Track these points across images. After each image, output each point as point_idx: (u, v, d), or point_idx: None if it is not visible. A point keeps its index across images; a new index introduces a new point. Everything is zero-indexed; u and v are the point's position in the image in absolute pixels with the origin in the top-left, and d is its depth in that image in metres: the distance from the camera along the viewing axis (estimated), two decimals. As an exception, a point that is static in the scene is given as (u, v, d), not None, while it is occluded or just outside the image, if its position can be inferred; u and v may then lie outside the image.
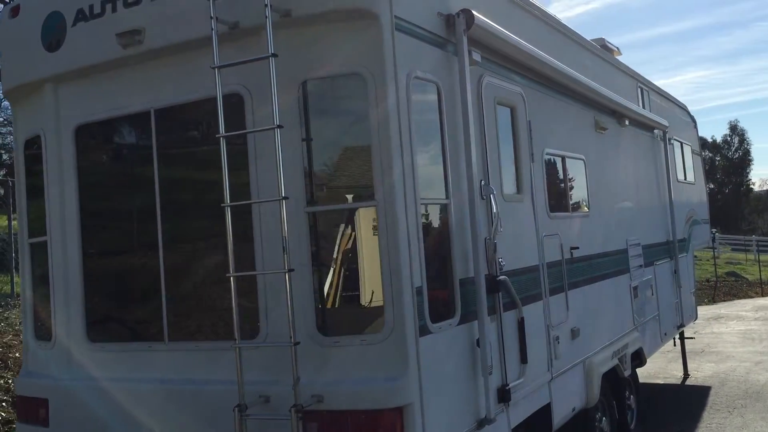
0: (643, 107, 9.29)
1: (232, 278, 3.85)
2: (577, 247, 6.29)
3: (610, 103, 7.58)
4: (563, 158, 6.36)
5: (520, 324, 5.05)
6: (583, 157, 6.84)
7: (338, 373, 3.86)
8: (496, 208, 4.79)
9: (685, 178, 11.19)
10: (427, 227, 4.23)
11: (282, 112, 3.91)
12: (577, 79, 6.51)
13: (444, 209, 4.35)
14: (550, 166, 6.08)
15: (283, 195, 3.74)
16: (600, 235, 7.00)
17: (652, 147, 9.42)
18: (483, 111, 4.89)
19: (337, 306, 4.04)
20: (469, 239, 4.49)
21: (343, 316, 4.02)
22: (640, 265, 8.28)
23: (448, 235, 4.34)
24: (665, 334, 9.01)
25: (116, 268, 4.70)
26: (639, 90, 9.25)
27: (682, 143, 11.18)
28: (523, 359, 5.04)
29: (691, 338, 11.59)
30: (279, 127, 3.75)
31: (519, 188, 5.41)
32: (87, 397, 4.47)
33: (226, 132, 3.94)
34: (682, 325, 9.79)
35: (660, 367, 11.71)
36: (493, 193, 4.77)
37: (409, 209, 3.91)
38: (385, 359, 3.82)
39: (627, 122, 8.21)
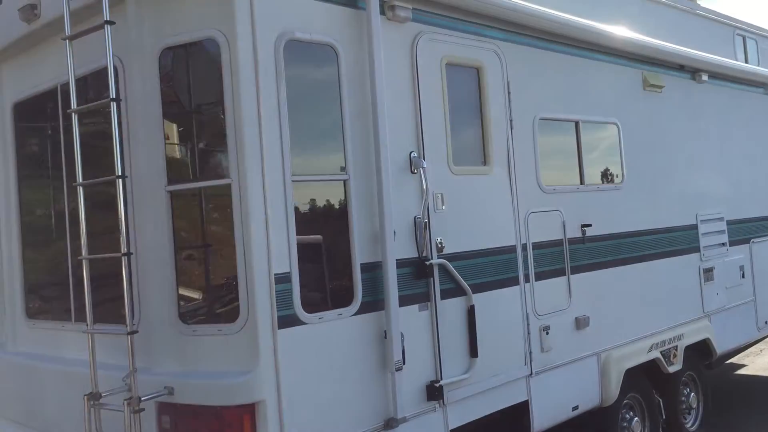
0: (746, 60, 8.04)
1: (84, 261, 3.75)
2: (590, 225, 5.54)
3: (670, 57, 6.58)
4: (576, 123, 5.60)
5: (470, 313, 4.52)
6: (616, 121, 5.98)
7: (192, 365, 3.64)
8: (427, 184, 4.29)
9: None
10: (312, 207, 3.87)
11: (144, 83, 3.73)
12: (599, 32, 5.69)
13: (342, 186, 3.95)
14: (548, 133, 5.37)
15: (121, 173, 3.55)
16: (639, 211, 6.12)
17: (761, 105, 8.13)
18: (418, 75, 4.37)
19: (198, 293, 3.80)
20: (387, 218, 4.04)
21: (204, 303, 3.78)
22: (722, 243, 7.20)
23: (346, 214, 3.94)
24: (766, 322, 7.80)
25: (45, 249, 4.78)
26: (739, 39, 8.00)
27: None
28: (473, 353, 4.51)
29: None
30: (114, 100, 3.55)
31: (485, 159, 4.82)
32: (16, 371, 4.62)
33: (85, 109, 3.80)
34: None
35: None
36: (423, 166, 4.27)
37: (271, 188, 3.57)
38: (239, 352, 3.54)
39: (705, 77, 7.11)
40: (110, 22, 3.58)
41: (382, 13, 4.21)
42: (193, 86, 3.79)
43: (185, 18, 3.68)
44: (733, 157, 7.54)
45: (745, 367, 10.06)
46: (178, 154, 3.79)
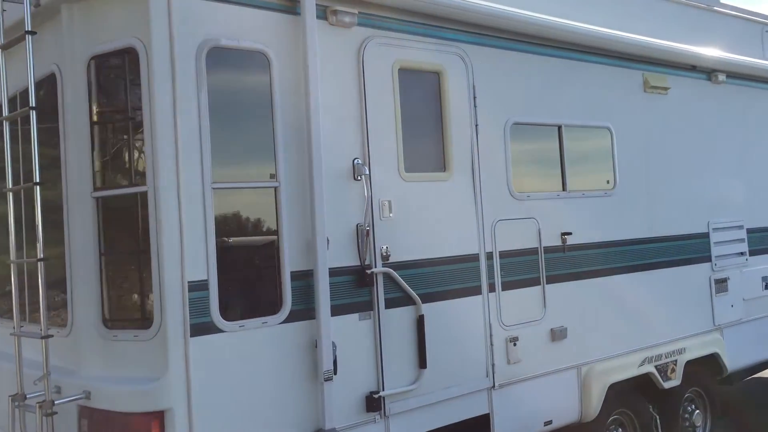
0: (778, 57, 7.55)
1: (12, 265, 3.85)
2: (570, 233, 5.31)
3: (675, 57, 6.24)
4: (559, 128, 5.37)
5: (419, 323, 4.40)
6: (609, 125, 5.72)
7: (113, 370, 3.66)
8: (369, 191, 4.21)
9: None
10: (240, 214, 3.85)
11: (74, 91, 3.80)
12: (582, 33, 5.44)
13: (272, 193, 3.91)
14: (525, 138, 5.18)
15: (38, 180, 3.62)
16: (635, 218, 5.82)
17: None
18: (364, 81, 4.28)
19: (120, 298, 3.83)
20: (319, 226, 3.98)
21: (126, 308, 3.80)
22: (741, 253, 6.79)
23: (276, 221, 3.90)
24: (795, 337, 7.32)
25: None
26: (769, 37, 7.52)
27: None
28: (422, 363, 4.39)
29: None
30: (32, 108, 3.62)
31: (445, 166, 4.68)
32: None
33: (39, 115, 3.88)
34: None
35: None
36: (365, 173, 4.18)
37: (187, 195, 3.56)
38: (152, 358, 3.54)
39: (723, 78, 6.72)
40: (32, 32, 3.65)
41: (324, 18, 4.15)
42: (118, 95, 3.83)
43: (110, 26, 3.71)
44: (759, 161, 7.10)
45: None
46: (104, 161, 3.83)
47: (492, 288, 4.83)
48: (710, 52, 6.51)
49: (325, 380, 3.91)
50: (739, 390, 9.05)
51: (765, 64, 7.08)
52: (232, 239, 3.77)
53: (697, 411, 6.27)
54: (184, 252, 3.53)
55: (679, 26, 6.57)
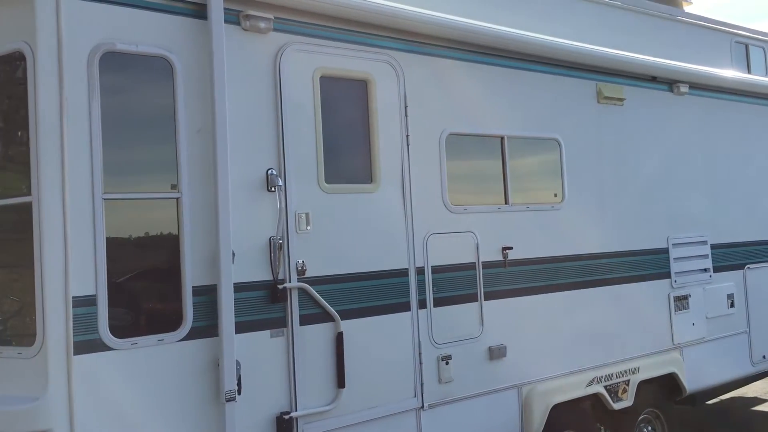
0: (749, 69, 7.32)
1: None
2: (511, 248, 5.08)
3: (634, 68, 6.02)
4: (502, 139, 5.15)
5: (338, 340, 4.19)
6: (558, 137, 5.50)
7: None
8: (282, 203, 4.00)
9: None
10: (136, 226, 3.65)
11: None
12: (526, 42, 5.23)
13: (173, 205, 3.71)
14: (463, 150, 4.96)
15: None
16: (586, 233, 5.59)
17: (764, 119, 7.38)
18: (281, 89, 4.09)
19: (5, 313, 3.63)
20: (224, 238, 3.78)
21: (11, 324, 3.60)
22: (704, 269, 6.53)
23: (177, 234, 3.70)
24: (764, 356, 7.03)
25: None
26: (739, 47, 7.28)
27: None
28: (340, 383, 4.17)
29: None
30: None
31: (372, 177, 4.47)
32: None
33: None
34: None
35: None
36: (278, 184, 3.98)
37: (74, 207, 3.36)
38: (35, 377, 3.33)
39: (685, 89, 6.48)
40: None
41: (237, 23, 3.97)
42: (9, 101, 3.65)
43: (3, 30, 3.54)
44: (725, 176, 6.85)
45: (765, 403, 9.14)
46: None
47: (423, 304, 4.61)
48: (670, 62, 6.28)
49: (227, 400, 3.69)
50: (710, 411, 8.80)
51: (729, 74, 6.83)
52: (126, 252, 3.57)
53: (653, 430, 6.00)
54: (68, 265, 3.33)
55: (641, 37, 6.36)
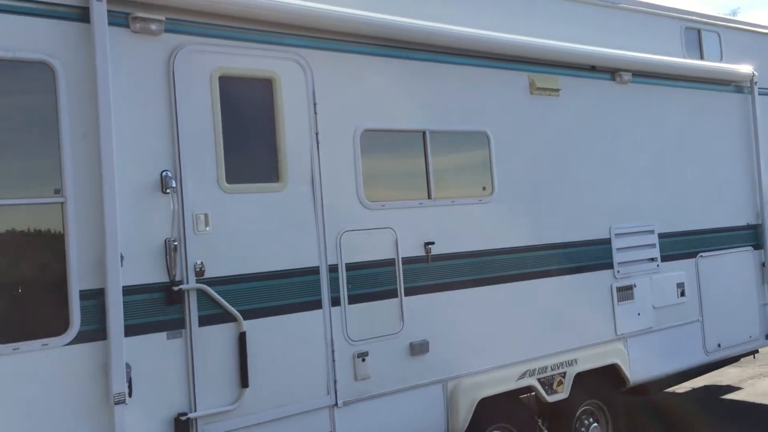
0: (701, 55, 7.13)
1: None
2: (433, 243, 4.99)
3: (568, 58, 5.88)
4: (424, 134, 5.06)
5: (241, 340, 4.13)
6: (486, 130, 5.39)
7: None
8: (176, 205, 3.95)
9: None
10: (17, 231, 3.61)
11: None
12: (445, 34, 5.11)
13: (58, 210, 3.67)
14: (381, 145, 4.87)
15: None
16: (518, 225, 5.48)
17: (717, 105, 7.19)
18: (175, 90, 4.03)
19: None
20: (111, 242, 3.73)
21: None
22: (651, 259, 6.39)
23: (62, 238, 3.66)
24: (719, 345, 6.88)
25: None
26: (691, 33, 7.09)
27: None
28: (244, 382, 4.12)
29: None
30: None
31: (279, 176, 4.40)
32: None
33: None
34: (774, 334, 7.40)
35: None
36: (172, 186, 3.93)
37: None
38: None
39: (627, 77, 6.34)
40: None
41: (126, 25, 3.91)
42: None
43: None
44: (675, 164, 6.69)
45: (738, 391, 8.97)
46: None
47: (336, 302, 4.54)
48: (607, 51, 6.12)
49: (116, 403, 3.66)
50: (678, 399, 8.66)
51: (673, 61, 6.66)
52: (8, 258, 3.54)
53: (595, 424, 5.88)
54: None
55: (583, 26, 6.20)
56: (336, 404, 4.47)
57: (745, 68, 7.30)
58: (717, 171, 7.07)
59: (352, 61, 4.75)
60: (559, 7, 6.11)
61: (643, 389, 6.61)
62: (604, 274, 6.02)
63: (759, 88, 7.53)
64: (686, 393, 9.06)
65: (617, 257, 6.11)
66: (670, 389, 8.94)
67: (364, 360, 4.60)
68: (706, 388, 9.21)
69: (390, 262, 4.81)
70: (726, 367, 9.82)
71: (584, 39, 6.10)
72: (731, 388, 9.12)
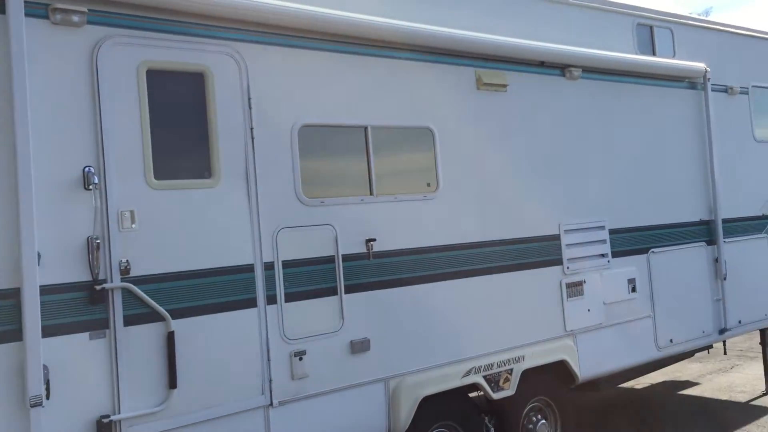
0: (654, 52, 7.09)
1: None
2: (374, 240, 4.90)
3: (516, 53, 5.80)
4: (365, 129, 4.96)
5: (169, 340, 4.01)
6: (431, 126, 5.30)
7: None
8: (98, 201, 3.83)
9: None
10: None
11: None
12: (385, 28, 5.01)
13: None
14: (318, 141, 4.76)
15: None
16: (463, 222, 5.39)
17: (670, 101, 7.16)
18: (98, 84, 3.90)
19: None
20: (26, 240, 3.60)
21: None
22: (602, 255, 6.34)
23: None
24: (671, 340, 6.84)
25: None
26: (643, 29, 7.04)
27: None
28: (172, 383, 4.00)
29: None
30: None
31: (211, 172, 4.28)
32: None
33: None
34: (725, 330, 7.37)
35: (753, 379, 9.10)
36: (94, 182, 3.80)
37: None
38: None
39: (578, 73, 6.28)
40: None
41: (46, 17, 3.77)
42: None
43: None
44: (627, 160, 6.64)
45: (696, 387, 8.97)
46: None
47: (273, 300, 4.43)
48: (554, 46, 6.05)
49: (33, 406, 3.52)
50: (634, 395, 8.64)
51: (624, 57, 6.61)
52: None
53: (543, 421, 5.82)
54: None
55: (532, 21, 6.13)
56: (271, 404, 4.36)
57: (698, 64, 7.26)
58: (670, 167, 7.04)
59: (291, 55, 4.64)
60: (509, 3, 6.03)
61: (595, 385, 6.58)
62: (553, 271, 5.96)
63: (712, 85, 7.51)
64: (645, 388, 9.06)
65: (567, 253, 6.05)
66: (629, 385, 8.99)
67: (301, 359, 4.50)
68: (665, 383, 9.21)
69: (330, 260, 4.70)
70: (687, 363, 9.96)
71: (534, 35, 6.04)
72: (689, 384, 9.13)
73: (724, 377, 9.28)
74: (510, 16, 6.00)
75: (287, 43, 4.62)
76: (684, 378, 9.44)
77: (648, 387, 9.11)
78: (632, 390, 8.95)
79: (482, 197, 5.56)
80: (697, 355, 9.36)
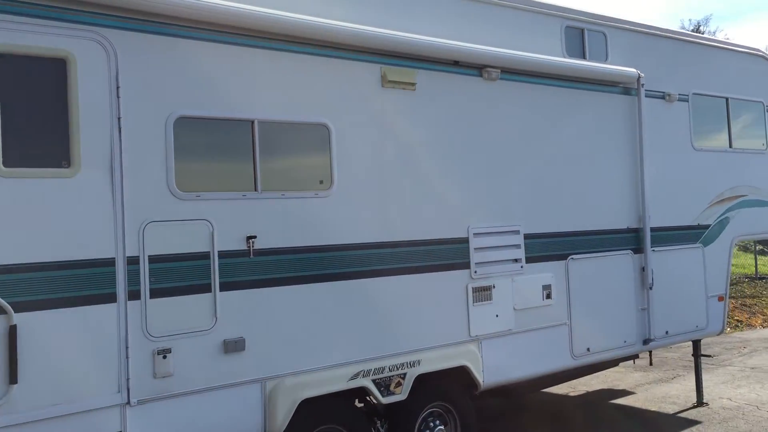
0: (584, 55, 6.88)
1: None
2: (255, 237, 4.70)
3: (425, 51, 5.59)
4: (252, 123, 4.76)
5: (11, 334, 3.82)
6: (326, 122, 5.10)
7: None
8: (-69, 188, 3.64)
9: (730, 145, 8.24)
10: None
11: None
12: (275, 21, 4.81)
13: None
14: (198, 133, 4.56)
15: None
16: (361, 221, 5.20)
17: (601, 106, 6.96)
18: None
19: None
20: None
21: None
22: (516, 260, 6.15)
23: None
24: (588, 349, 6.64)
25: None
26: (573, 32, 6.84)
27: (727, 99, 8.22)
28: (13, 378, 3.82)
29: (708, 356, 8.52)
30: None
31: (70, 161, 4.09)
32: None
33: None
34: (649, 340, 7.17)
35: (679, 391, 8.90)
36: (-69, 168, 3.62)
37: None
38: None
39: (496, 75, 6.07)
40: None
41: None
42: None
43: None
44: (548, 164, 6.44)
45: (630, 396, 8.77)
46: None
47: (135, 295, 4.24)
48: (472, 46, 5.85)
49: None
50: (562, 403, 8.46)
51: (547, 60, 6.39)
52: None
53: (441, 427, 5.63)
54: None
55: (451, 20, 5.94)
56: (128, 402, 4.17)
57: (630, 70, 7.06)
58: (598, 173, 6.84)
59: (167, 44, 4.45)
60: (429, 2, 5.84)
61: (507, 392, 6.40)
62: (459, 274, 5.76)
63: (649, 91, 7.31)
64: (579, 396, 8.87)
65: (475, 257, 5.85)
66: (564, 391, 8.81)
67: (165, 357, 4.31)
68: (601, 391, 9.02)
69: (205, 256, 4.52)
70: (630, 371, 9.78)
71: (457, 35, 5.85)
72: (625, 393, 8.94)
73: (661, 387, 9.10)
74: (429, 15, 5.81)
75: (163, 31, 4.43)
76: (622, 387, 9.25)
77: (582, 395, 8.92)
78: (566, 397, 8.77)
79: (384, 197, 5.37)
80: (639, 363, 9.32)
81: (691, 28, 40.08)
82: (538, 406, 8.21)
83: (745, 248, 24.18)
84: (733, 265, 21.83)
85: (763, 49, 9.02)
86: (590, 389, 9.09)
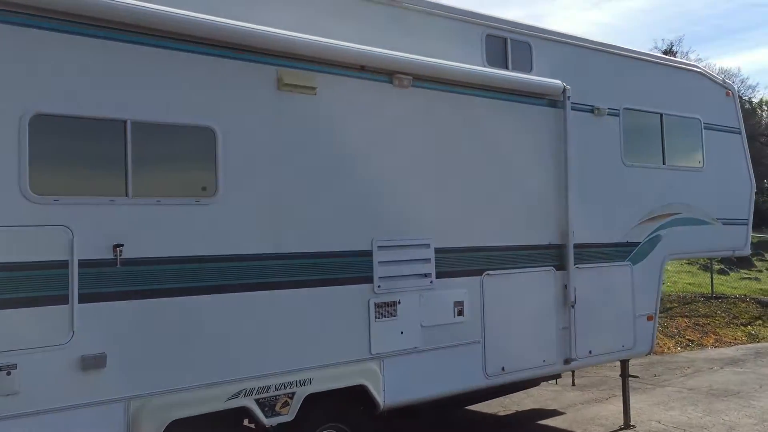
0: (507, 65, 6.60)
1: None
2: (122, 245, 4.34)
3: (324, 54, 5.28)
4: (125, 123, 4.39)
5: None
6: (212, 125, 4.75)
7: None
8: None
9: (664, 162, 7.99)
10: None
11: None
12: (167, 18, 4.48)
13: None
14: (59, 132, 4.20)
15: None
16: (250, 231, 4.86)
17: (525, 118, 6.67)
18: None
19: None
20: None
21: None
22: (425, 274, 5.82)
23: None
24: (503, 368, 6.31)
25: None
26: (495, 42, 6.55)
27: (662, 114, 7.97)
28: None
29: (635, 377, 8.25)
30: None
31: None
32: None
33: None
34: (571, 360, 6.86)
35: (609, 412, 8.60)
36: None
37: None
38: None
39: (407, 82, 5.77)
40: None
41: None
42: None
43: None
44: (463, 176, 6.12)
45: (559, 416, 8.46)
46: None
47: (-27, 307, 3.86)
48: (379, 50, 5.55)
49: None
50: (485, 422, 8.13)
51: (462, 68, 6.10)
52: None
53: (325, 450, 5.27)
54: None
55: (361, 24, 5.65)
56: (-41, 423, 3.79)
57: (555, 81, 6.79)
58: (520, 187, 6.56)
59: (25, 37, 4.09)
60: (340, 5, 5.54)
61: (414, 413, 6.06)
62: (360, 289, 5.43)
63: (576, 104, 7.05)
64: (508, 415, 8.55)
65: (379, 271, 5.52)
66: (493, 410, 8.48)
67: (9, 374, 3.93)
68: (531, 411, 8.70)
69: (63, 264, 4.14)
70: (565, 391, 9.47)
71: (361, 38, 5.54)
72: (556, 413, 8.63)
73: (593, 408, 8.80)
74: (340, 19, 5.51)
75: (20, 22, 4.08)
76: (554, 406, 8.94)
77: (513, 413, 8.60)
78: (493, 416, 8.44)
79: (277, 207, 5.03)
80: (578, 383, 9.02)
81: (664, 48, 40.12)
82: (460, 426, 7.87)
83: (705, 267, 24.06)
84: (690, 283, 21.69)
85: (700, 66, 8.83)
86: (521, 408, 8.77)
